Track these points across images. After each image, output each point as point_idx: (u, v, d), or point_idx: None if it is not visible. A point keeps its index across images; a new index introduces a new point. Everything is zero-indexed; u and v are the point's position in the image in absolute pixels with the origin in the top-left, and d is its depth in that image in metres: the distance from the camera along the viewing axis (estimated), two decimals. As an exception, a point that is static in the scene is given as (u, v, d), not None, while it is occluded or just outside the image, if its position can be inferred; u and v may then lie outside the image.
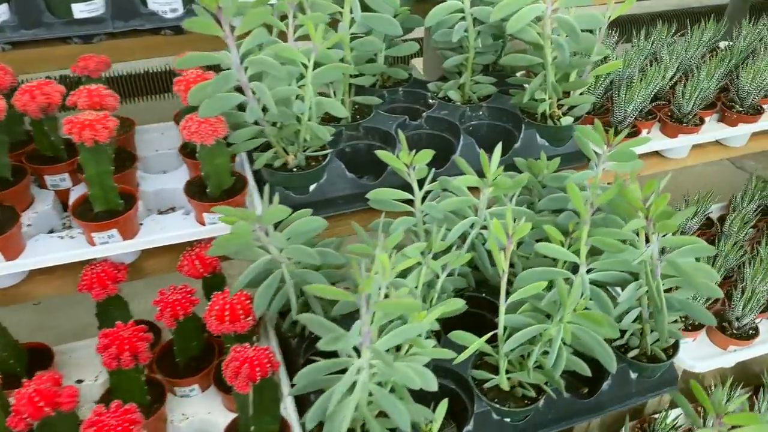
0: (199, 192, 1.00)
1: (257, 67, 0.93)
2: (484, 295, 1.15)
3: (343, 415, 0.74)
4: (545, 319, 0.94)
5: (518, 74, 1.38)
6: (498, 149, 0.94)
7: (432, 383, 0.79)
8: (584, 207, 0.89)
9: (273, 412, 0.86)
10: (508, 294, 0.90)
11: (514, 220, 1.05)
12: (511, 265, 1.11)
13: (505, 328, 0.94)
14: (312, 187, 1.07)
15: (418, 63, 1.72)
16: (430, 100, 1.26)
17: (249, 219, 0.84)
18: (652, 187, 0.86)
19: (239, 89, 0.94)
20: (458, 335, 0.95)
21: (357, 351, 0.76)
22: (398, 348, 0.89)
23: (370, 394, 0.80)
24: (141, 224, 1.01)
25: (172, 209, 1.12)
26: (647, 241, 0.91)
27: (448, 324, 1.10)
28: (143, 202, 1.07)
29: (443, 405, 0.94)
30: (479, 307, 1.15)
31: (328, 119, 1.19)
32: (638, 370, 1.05)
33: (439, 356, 0.86)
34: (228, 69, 0.91)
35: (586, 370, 0.93)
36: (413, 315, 0.82)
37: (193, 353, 1.02)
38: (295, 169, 1.04)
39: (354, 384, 0.75)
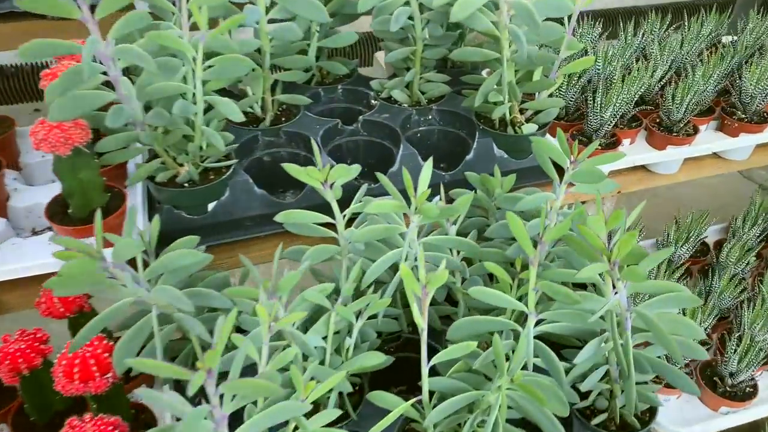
0: (61, 212, 0.81)
1: (127, 57, 0.74)
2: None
3: None
4: (484, 381, 0.75)
5: (484, 72, 1.19)
6: (428, 166, 0.75)
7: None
8: (530, 244, 0.70)
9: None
10: (434, 351, 0.71)
11: (456, 252, 0.87)
12: (455, 304, 0.92)
13: (433, 393, 0.75)
14: (211, 206, 0.89)
15: (382, 57, 1.53)
16: (373, 101, 1.07)
17: (92, 255, 0.65)
18: (617, 220, 0.67)
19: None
20: (379, 397, 0.77)
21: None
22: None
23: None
24: (-4, 245, 0.83)
25: (50, 229, 0.93)
26: (614, 286, 0.72)
27: (381, 375, 0.92)
28: (11, 219, 0.89)
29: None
30: (417, 351, 0.96)
31: (249, 121, 1.00)
32: (605, 439, 0.86)
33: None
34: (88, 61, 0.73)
35: (533, 448, 0.74)
36: (299, 386, 0.63)
37: (57, 408, 0.83)
38: (186, 184, 0.85)
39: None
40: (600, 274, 0.72)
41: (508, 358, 0.72)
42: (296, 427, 0.67)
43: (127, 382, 0.89)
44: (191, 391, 0.48)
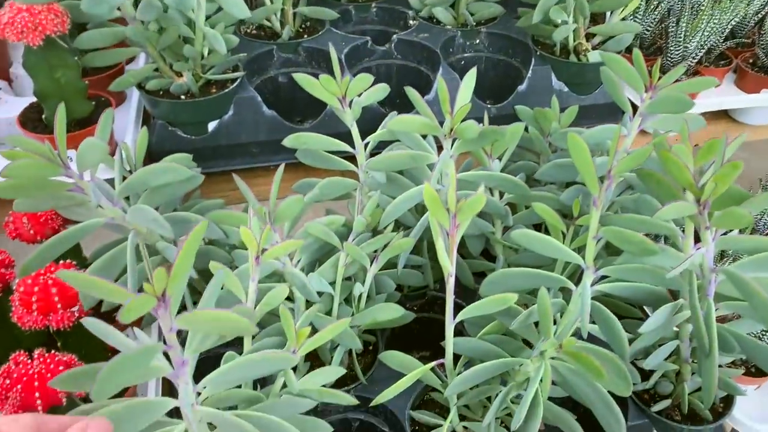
0: (35, 119, 0.70)
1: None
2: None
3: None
4: (522, 348, 0.61)
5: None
6: (471, 76, 0.61)
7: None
8: (595, 178, 0.55)
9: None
10: (461, 306, 0.58)
11: (499, 195, 0.73)
12: (492, 259, 0.78)
13: (458, 358, 0.62)
14: (212, 126, 0.76)
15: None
16: (411, 21, 0.92)
17: (50, 157, 0.53)
18: (712, 152, 0.52)
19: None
20: (393, 357, 0.64)
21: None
22: (262, 383, 0.58)
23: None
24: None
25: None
26: (697, 240, 0.57)
27: (400, 337, 0.79)
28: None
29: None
30: (444, 313, 0.83)
31: (268, 35, 0.87)
32: (667, 431, 0.71)
33: (330, 400, 0.54)
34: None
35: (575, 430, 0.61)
36: (289, 332, 0.51)
37: (27, 345, 0.73)
38: (183, 96, 0.73)
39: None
40: (679, 224, 0.57)
41: (555, 322, 0.58)
42: (285, 386, 0.55)
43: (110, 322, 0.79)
44: (123, 318, 0.36)
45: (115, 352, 0.45)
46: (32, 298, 0.60)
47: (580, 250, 0.60)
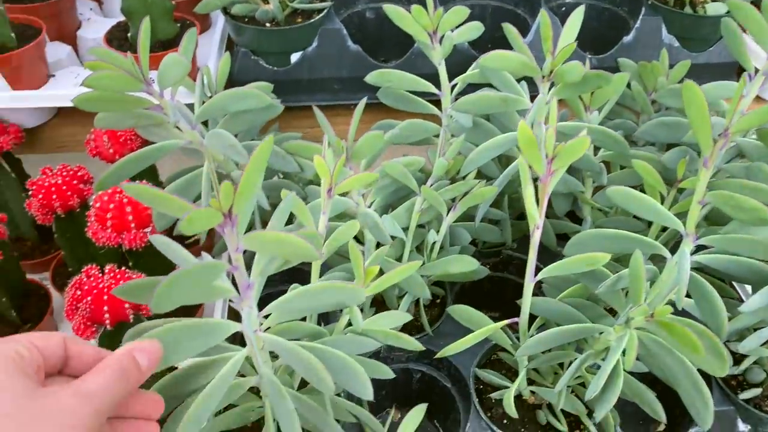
0: (120, 38, 0.70)
1: None
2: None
3: None
4: (604, 315, 0.57)
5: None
6: (578, 13, 0.55)
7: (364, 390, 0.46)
8: (710, 134, 0.49)
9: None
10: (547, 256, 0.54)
11: (593, 151, 0.67)
12: (578, 222, 0.74)
13: (534, 318, 0.59)
14: (295, 58, 0.74)
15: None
16: (511, -38, 0.86)
17: (132, 71, 0.52)
18: None
19: None
20: (463, 312, 0.61)
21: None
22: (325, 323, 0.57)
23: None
24: (52, 75, 0.73)
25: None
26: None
27: (470, 295, 0.77)
28: (79, 48, 0.80)
29: (418, 411, 0.62)
30: (520, 273, 0.79)
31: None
32: (754, 421, 0.66)
33: (395, 343, 0.52)
34: None
35: (658, 412, 0.56)
36: (357, 268, 0.49)
37: (100, 263, 0.75)
38: (268, 24, 0.71)
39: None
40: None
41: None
42: (349, 325, 0.53)
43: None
44: (186, 228, 0.34)
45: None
46: (107, 214, 0.61)
47: (680, 217, 0.55)
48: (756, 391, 0.65)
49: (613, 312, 0.59)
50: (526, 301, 0.55)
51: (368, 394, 0.46)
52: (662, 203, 0.60)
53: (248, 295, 0.42)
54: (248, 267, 0.42)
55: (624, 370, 0.57)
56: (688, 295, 0.56)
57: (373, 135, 0.55)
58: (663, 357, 0.53)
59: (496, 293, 0.82)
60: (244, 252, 0.39)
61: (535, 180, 0.48)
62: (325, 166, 0.48)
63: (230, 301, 0.43)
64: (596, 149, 0.68)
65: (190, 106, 0.62)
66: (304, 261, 0.45)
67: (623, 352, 0.52)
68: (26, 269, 0.76)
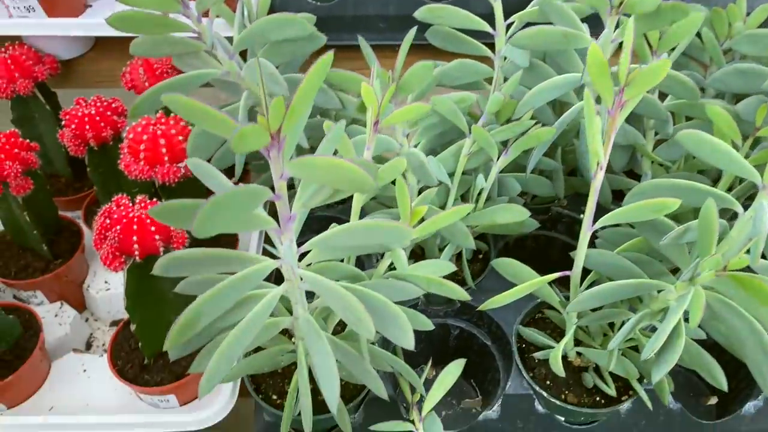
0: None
1: None
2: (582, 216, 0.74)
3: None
4: (663, 272, 0.53)
5: None
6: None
7: (401, 336, 0.43)
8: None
9: (164, 312, 0.56)
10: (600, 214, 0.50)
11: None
12: (636, 178, 0.69)
13: (588, 272, 0.55)
14: (339, -8, 0.70)
15: None
16: None
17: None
18: None
19: None
20: (507, 265, 0.58)
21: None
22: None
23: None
24: (89, 5, 0.71)
25: None
26: None
27: (516, 251, 0.73)
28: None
29: (457, 366, 0.59)
30: (571, 235, 0.75)
31: None
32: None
33: (439, 291, 0.49)
34: None
35: (719, 379, 0.52)
36: (404, 208, 0.46)
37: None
38: (311, -46, 0.67)
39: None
40: None
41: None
42: (392, 266, 0.50)
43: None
44: (235, 146, 0.31)
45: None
46: (140, 146, 0.59)
47: (758, 170, 0.50)
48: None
49: (672, 272, 0.54)
50: (581, 253, 0.51)
51: (409, 342, 0.44)
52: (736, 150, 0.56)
53: (289, 227, 0.40)
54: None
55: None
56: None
57: (423, 65, 0.51)
58: (729, 319, 0.49)
59: (541, 253, 0.78)
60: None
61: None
62: (373, 94, 0.44)
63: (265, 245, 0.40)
64: (661, 97, 0.63)
65: (229, 40, 0.59)
66: (355, 191, 0.42)
67: (685, 312, 0.48)
68: (59, 206, 0.74)
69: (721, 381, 0.52)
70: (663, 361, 0.49)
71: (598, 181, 0.46)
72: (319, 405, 0.57)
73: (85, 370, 0.66)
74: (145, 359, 0.60)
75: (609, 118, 0.42)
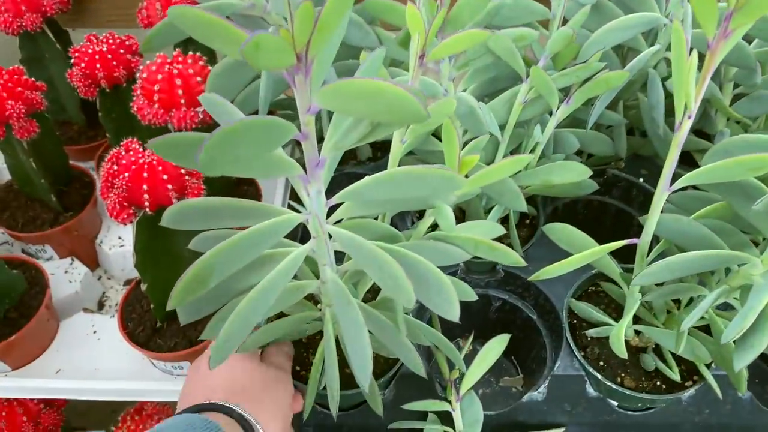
0: None
1: None
2: (641, 180, 0.67)
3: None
4: (746, 244, 0.46)
5: None
6: None
7: (447, 306, 0.38)
8: None
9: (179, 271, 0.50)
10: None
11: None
12: (708, 138, 0.61)
13: (657, 240, 0.48)
14: None
15: None
16: None
17: None
18: None
19: None
20: (559, 230, 0.51)
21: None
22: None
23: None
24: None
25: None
26: None
27: (570, 216, 0.67)
28: None
29: (501, 341, 0.54)
30: (628, 201, 0.68)
31: None
32: None
33: (488, 255, 0.43)
34: None
35: (806, 368, 0.46)
36: (451, 158, 0.39)
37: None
38: None
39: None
40: None
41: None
42: (432, 228, 0.44)
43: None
44: (248, 55, 0.25)
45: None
46: (154, 87, 0.53)
47: None
48: None
49: (755, 243, 0.47)
50: (653, 217, 0.44)
51: (455, 313, 0.38)
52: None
53: (317, 174, 0.33)
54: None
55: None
56: None
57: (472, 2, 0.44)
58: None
59: (594, 220, 0.71)
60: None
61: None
62: (420, 18, 0.37)
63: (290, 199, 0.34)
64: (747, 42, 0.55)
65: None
66: (403, 122, 0.35)
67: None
68: (71, 155, 0.69)
69: (810, 371, 0.46)
70: (749, 346, 0.42)
71: (683, 132, 0.39)
72: (347, 378, 0.52)
73: (95, 332, 0.62)
74: (158, 322, 0.56)
75: (708, 52, 0.35)
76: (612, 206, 0.69)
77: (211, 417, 0.41)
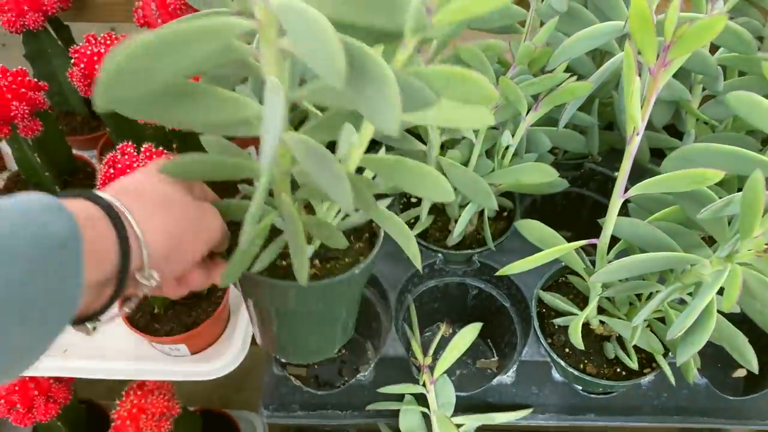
0: None
1: None
2: (617, 174, 0.70)
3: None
4: (699, 245, 0.49)
5: None
6: None
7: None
8: None
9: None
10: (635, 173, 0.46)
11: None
12: (678, 136, 0.64)
13: (615, 242, 0.51)
14: None
15: None
16: None
17: None
18: None
19: None
20: (531, 227, 0.55)
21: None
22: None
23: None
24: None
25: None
26: None
27: (542, 212, 0.70)
28: None
29: (474, 328, 0.57)
30: (604, 194, 0.71)
31: None
32: None
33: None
34: None
35: (749, 360, 0.49)
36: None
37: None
38: None
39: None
40: None
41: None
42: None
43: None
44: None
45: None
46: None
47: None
48: None
49: (709, 242, 0.51)
50: (611, 220, 0.48)
51: (392, 123, 0.26)
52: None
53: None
54: None
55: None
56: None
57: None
58: (765, 297, 0.45)
59: (571, 212, 0.74)
60: None
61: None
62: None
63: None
64: (713, 50, 0.57)
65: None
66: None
67: (720, 290, 0.45)
68: (74, 145, 0.73)
69: (751, 361, 0.49)
70: (690, 342, 0.46)
71: (633, 147, 0.42)
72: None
73: (99, 315, 0.66)
74: (155, 308, 0.60)
75: (650, 78, 0.37)
76: (589, 198, 0.72)
77: (69, 204, 0.31)
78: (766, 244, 0.41)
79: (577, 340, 0.51)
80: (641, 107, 0.39)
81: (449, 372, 0.66)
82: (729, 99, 0.45)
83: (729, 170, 0.46)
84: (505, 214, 0.69)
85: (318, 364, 0.68)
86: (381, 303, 0.63)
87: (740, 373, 0.68)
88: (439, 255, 0.64)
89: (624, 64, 0.39)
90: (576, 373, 0.55)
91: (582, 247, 0.52)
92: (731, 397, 0.60)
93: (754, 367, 0.49)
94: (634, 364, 0.55)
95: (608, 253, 0.52)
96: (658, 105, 0.62)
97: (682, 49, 0.35)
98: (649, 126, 0.65)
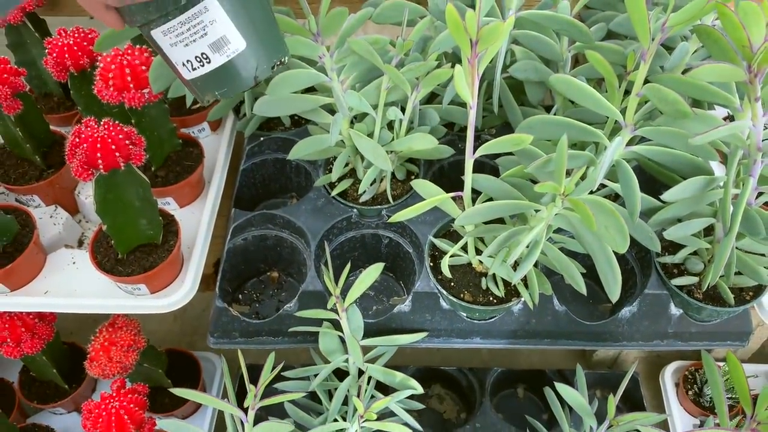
0: None
1: None
2: (509, 143, 0.83)
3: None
4: (540, 195, 0.62)
5: None
6: None
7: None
8: (647, 28, 0.52)
9: (131, 216, 0.67)
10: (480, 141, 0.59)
11: (564, 40, 0.69)
12: (550, 110, 0.77)
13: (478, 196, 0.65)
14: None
15: None
16: None
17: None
18: (784, 13, 0.47)
19: None
20: (422, 186, 0.67)
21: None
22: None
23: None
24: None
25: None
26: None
27: (450, 172, 0.83)
28: None
29: (376, 268, 0.70)
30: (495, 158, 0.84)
31: None
32: (684, 306, 0.72)
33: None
34: None
35: (580, 285, 0.63)
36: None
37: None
38: None
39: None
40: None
41: (584, 177, 0.58)
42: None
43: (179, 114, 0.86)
44: None
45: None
46: (109, 74, 0.68)
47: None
48: (690, 279, 0.70)
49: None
50: (468, 178, 0.61)
51: None
52: (621, 99, 0.64)
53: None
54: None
55: (560, 248, 0.64)
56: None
57: (338, 11, 0.59)
58: (584, 234, 0.59)
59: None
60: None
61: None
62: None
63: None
64: (572, 41, 0.70)
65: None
66: None
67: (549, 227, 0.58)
68: (52, 122, 0.85)
69: (581, 286, 0.63)
70: (521, 268, 0.60)
71: (471, 117, 0.55)
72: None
73: (74, 263, 0.79)
74: (119, 254, 0.73)
75: (469, 66, 0.50)
76: (487, 164, 0.85)
77: None
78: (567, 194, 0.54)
79: (445, 270, 0.64)
80: (468, 88, 0.52)
81: (367, 308, 0.80)
82: (552, 81, 0.58)
83: (556, 136, 0.59)
84: (413, 177, 0.82)
85: (259, 302, 0.82)
86: (306, 250, 0.77)
87: (606, 307, 0.82)
88: (354, 210, 0.77)
89: (462, 55, 0.52)
90: (455, 300, 0.69)
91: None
92: (587, 323, 0.74)
93: (583, 289, 0.63)
94: (499, 292, 0.68)
95: (475, 204, 0.65)
96: (531, 85, 0.75)
97: (484, 44, 0.48)
98: (528, 103, 0.78)
